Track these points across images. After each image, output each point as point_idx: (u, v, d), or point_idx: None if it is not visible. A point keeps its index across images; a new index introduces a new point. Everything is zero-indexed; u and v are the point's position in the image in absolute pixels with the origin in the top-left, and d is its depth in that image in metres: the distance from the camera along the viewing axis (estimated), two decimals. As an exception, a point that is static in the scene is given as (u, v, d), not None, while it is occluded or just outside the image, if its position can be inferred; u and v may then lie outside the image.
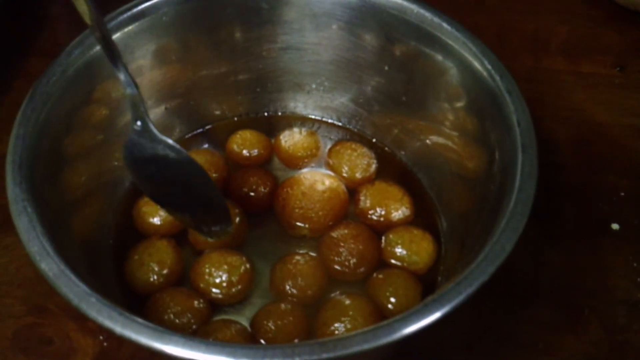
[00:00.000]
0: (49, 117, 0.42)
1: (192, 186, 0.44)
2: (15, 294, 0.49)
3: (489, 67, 0.43)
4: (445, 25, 0.46)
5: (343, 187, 0.51)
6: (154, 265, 0.46)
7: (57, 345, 0.46)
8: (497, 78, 0.43)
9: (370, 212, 0.49)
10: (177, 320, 0.43)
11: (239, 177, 0.51)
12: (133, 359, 0.46)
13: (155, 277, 0.46)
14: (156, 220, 0.48)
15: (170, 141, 0.42)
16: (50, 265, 0.35)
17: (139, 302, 0.45)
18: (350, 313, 0.43)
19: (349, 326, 0.43)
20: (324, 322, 0.43)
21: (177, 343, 0.32)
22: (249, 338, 0.44)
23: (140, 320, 0.33)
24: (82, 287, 0.34)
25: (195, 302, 0.44)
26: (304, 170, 0.53)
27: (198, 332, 0.43)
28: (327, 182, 0.51)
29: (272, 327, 0.43)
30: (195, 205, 0.45)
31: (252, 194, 0.51)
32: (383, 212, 0.49)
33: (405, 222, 0.49)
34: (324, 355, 0.32)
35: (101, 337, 0.46)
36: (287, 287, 0.45)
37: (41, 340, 0.47)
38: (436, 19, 0.46)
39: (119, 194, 0.51)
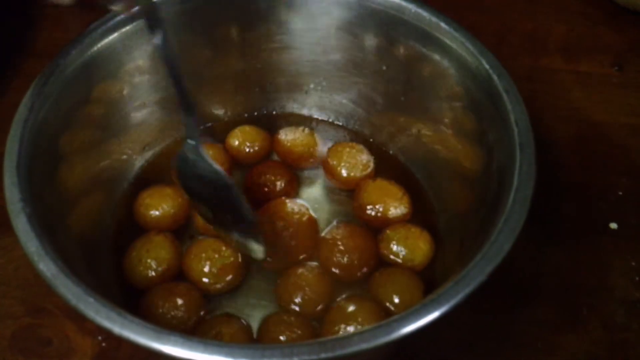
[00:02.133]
0: (46, 117, 0.42)
1: (228, 204, 0.45)
2: (14, 295, 0.49)
3: (487, 66, 0.43)
4: (443, 24, 0.46)
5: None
6: (152, 261, 0.46)
7: (55, 345, 0.46)
8: (495, 77, 0.43)
9: (369, 207, 0.49)
10: (169, 315, 0.43)
11: (258, 171, 0.52)
12: (132, 359, 0.46)
13: (154, 273, 0.46)
14: (157, 213, 0.49)
15: (215, 166, 0.44)
16: (49, 266, 0.35)
17: (138, 298, 0.45)
18: (359, 319, 0.43)
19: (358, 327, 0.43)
20: (331, 321, 0.43)
21: (175, 343, 0.32)
22: (251, 337, 0.44)
23: (138, 320, 0.33)
24: (81, 287, 0.34)
25: (189, 296, 0.45)
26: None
27: (199, 326, 0.43)
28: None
29: (283, 339, 0.43)
30: (230, 220, 0.46)
31: (267, 188, 0.51)
32: (381, 209, 0.49)
33: (402, 220, 0.49)
34: (323, 355, 0.32)
35: (100, 338, 0.46)
36: (294, 305, 0.45)
37: (40, 341, 0.47)
38: (434, 19, 0.46)
39: (117, 192, 0.51)
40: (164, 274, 0.46)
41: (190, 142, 0.44)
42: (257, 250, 0.46)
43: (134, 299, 0.45)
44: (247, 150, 0.53)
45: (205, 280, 0.46)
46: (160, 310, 0.43)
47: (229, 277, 0.46)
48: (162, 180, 0.51)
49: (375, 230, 0.49)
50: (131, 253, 0.46)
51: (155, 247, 0.47)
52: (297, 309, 0.45)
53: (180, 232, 0.49)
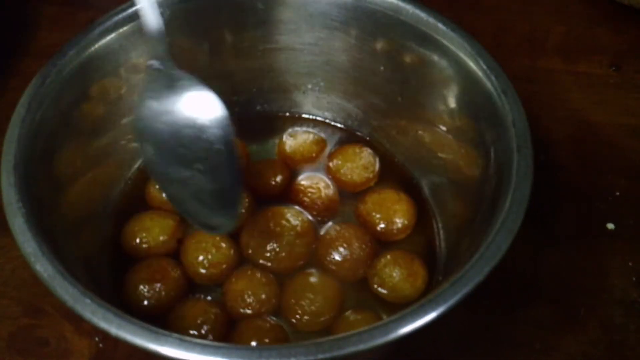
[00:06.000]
0: (44, 118, 0.42)
1: (207, 148, 0.37)
2: (11, 295, 0.49)
3: (485, 67, 0.43)
4: (440, 25, 0.46)
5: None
6: (155, 232, 0.48)
7: (53, 346, 0.46)
8: (493, 78, 0.43)
9: (370, 220, 0.49)
10: (145, 288, 0.45)
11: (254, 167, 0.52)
12: (129, 359, 0.46)
13: (155, 243, 0.47)
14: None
15: (191, 77, 0.37)
16: (45, 267, 0.35)
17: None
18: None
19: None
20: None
21: (172, 344, 0.32)
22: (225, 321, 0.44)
23: (135, 321, 0.33)
24: (78, 288, 0.34)
25: (169, 272, 0.46)
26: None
27: (175, 309, 0.44)
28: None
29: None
30: (203, 178, 0.38)
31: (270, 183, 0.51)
32: (383, 226, 0.49)
33: (404, 231, 0.49)
34: (320, 356, 0.32)
35: (97, 338, 0.46)
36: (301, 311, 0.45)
37: (37, 342, 0.47)
38: (432, 19, 0.46)
39: (115, 192, 0.51)
40: (160, 246, 0.47)
41: (154, 62, 0.36)
42: (225, 223, 0.38)
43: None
44: None
45: (201, 270, 0.46)
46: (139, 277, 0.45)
47: (222, 271, 0.47)
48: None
49: (379, 239, 0.49)
50: (133, 227, 0.48)
51: (159, 217, 0.48)
52: (307, 318, 0.44)
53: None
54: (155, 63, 0.37)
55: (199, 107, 0.37)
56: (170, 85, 0.37)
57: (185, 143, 0.38)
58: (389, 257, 0.47)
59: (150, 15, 0.36)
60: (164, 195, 0.44)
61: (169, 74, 0.37)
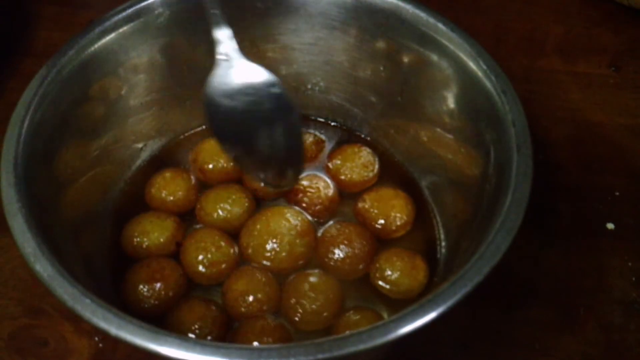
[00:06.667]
0: (43, 118, 0.42)
1: (271, 121, 0.44)
2: (11, 296, 0.49)
3: (485, 67, 0.43)
4: (440, 25, 0.46)
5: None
6: (155, 233, 0.48)
7: (52, 346, 0.46)
8: (493, 78, 0.43)
9: (369, 217, 0.49)
10: (145, 288, 0.45)
11: None
12: (129, 359, 0.46)
13: (151, 243, 0.47)
14: (171, 197, 0.50)
15: (253, 64, 0.44)
16: (45, 267, 0.35)
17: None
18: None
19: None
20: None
21: (172, 344, 0.32)
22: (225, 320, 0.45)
23: (135, 321, 0.33)
24: (77, 288, 0.34)
25: (168, 272, 0.46)
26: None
27: (174, 309, 0.45)
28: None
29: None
30: (267, 146, 0.45)
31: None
32: (382, 222, 0.49)
33: (403, 227, 0.49)
34: (320, 356, 0.32)
35: (96, 338, 0.46)
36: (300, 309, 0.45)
37: (36, 342, 0.47)
38: (432, 19, 0.46)
39: (114, 192, 0.51)
40: (160, 249, 0.47)
41: (222, 55, 0.43)
42: (290, 180, 0.47)
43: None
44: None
45: (200, 269, 0.46)
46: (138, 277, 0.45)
47: (222, 271, 0.47)
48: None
49: (378, 238, 0.49)
50: (135, 226, 0.48)
51: (158, 220, 0.48)
52: (308, 316, 0.44)
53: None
54: (223, 55, 0.44)
55: (262, 85, 0.44)
56: (238, 71, 0.44)
57: (253, 116, 0.44)
58: (390, 252, 0.47)
59: (219, 17, 0.44)
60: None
61: (237, 62, 0.44)
